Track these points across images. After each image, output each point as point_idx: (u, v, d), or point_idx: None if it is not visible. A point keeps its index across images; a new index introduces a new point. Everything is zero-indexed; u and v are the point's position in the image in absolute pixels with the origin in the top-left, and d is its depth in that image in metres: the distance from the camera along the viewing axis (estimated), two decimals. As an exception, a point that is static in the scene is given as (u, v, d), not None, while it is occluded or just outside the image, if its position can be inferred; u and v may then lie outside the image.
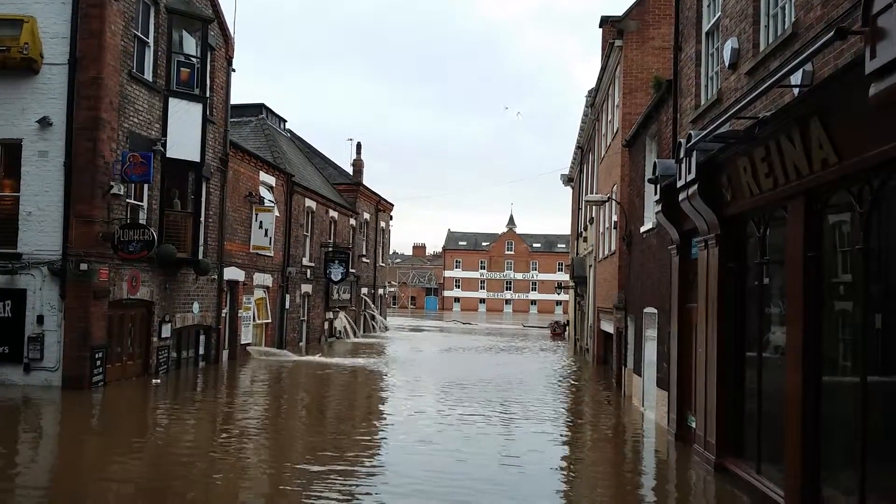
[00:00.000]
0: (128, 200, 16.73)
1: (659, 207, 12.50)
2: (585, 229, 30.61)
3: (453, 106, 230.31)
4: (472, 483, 9.29)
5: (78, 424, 12.92)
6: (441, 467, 10.08)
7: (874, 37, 5.41)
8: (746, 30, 9.49)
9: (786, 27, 8.34)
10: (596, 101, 26.56)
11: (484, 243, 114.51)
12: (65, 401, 14.23)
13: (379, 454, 11.10)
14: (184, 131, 18.28)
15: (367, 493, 8.73)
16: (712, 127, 9.20)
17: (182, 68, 18.44)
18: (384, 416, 15.03)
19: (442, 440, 12.00)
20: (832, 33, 6.02)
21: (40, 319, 15.25)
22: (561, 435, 13.57)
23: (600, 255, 24.53)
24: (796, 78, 7.41)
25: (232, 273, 22.53)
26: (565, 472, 10.77)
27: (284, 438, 12.22)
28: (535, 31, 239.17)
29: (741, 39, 9.66)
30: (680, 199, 10.85)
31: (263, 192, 25.26)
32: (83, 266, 15.16)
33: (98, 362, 15.41)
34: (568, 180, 41.83)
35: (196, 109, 18.75)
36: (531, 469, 10.45)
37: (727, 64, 9.93)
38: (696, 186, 10.13)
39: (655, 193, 12.70)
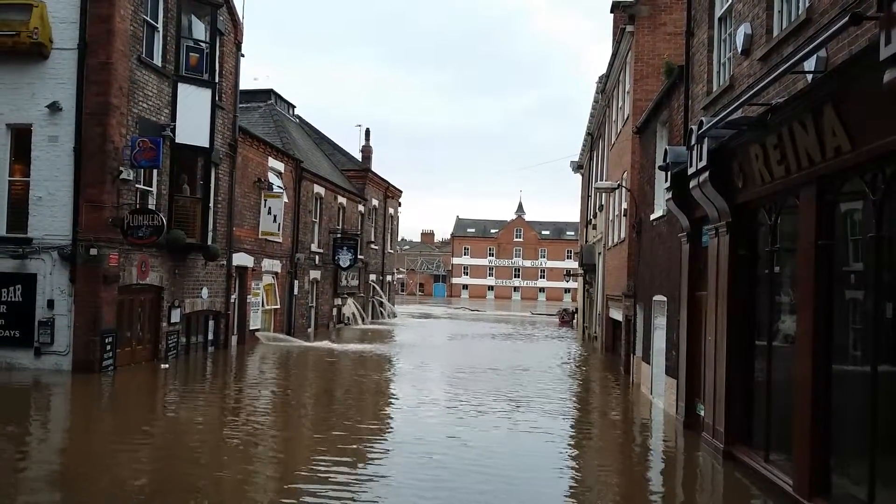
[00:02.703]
0: (137, 186, 16.75)
1: (669, 195, 12.42)
2: (595, 217, 30.50)
3: (464, 91, 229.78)
4: (480, 467, 9.32)
5: (88, 408, 13.02)
6: (447, 451, 10.11)
7: (889, 22, 5.34)
8: (760, 15, 9.39)
9: (800, 12, 8.25)
10: (607, 87, 26.38)
11: (493, 230, 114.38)
12: (75, 384, 14.32)
13: (384, 455, 11.13)
14: (193, 117, 18.27)
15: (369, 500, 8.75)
16: (724, 113, 9.11)
17: (191, 53, 18.40)
18: (391, 406, 15.07)
19: (448, 427, 12.03)
20: (847, 19, 5.94)
21: (50, 304, 15.33)
22: (569, 422, 13.57)
23: (610, 243, 24.46)
24: (810, 64, 7.32)
25: (241, 259, 22.58)
26: (573, 460, 10.77)
27: (290, 426, 12.29)
28: (548, 16, 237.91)
29: (754, 25, 9.55)
30: (691, 186, 10.78)
31: (272, 178, 25.26)
32: (93, 251, 15.22)
33: (108, 347, 15.50)
34: (577, 167, 41.64)
35: (205, 95, 18.72)
36: (538, 456, 10.47)
37: (740, 50, 9.83)
38: (707, 174, 10.06)
39: (666, 181, 12.62)
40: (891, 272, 6.50)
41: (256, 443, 10.56)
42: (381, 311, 42.20)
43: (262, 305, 25.08)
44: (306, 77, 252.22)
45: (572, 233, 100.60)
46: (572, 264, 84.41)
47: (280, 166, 26.10)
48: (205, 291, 20.19)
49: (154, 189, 17.54)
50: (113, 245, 15.64)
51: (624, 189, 20.02)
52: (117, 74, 15.56)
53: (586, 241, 34.70)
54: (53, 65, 15.52)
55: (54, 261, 15.37)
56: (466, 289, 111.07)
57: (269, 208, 24.31)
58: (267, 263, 25.12)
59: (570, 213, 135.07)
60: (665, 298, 14.63)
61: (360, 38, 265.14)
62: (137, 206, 16.53)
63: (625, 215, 20.19)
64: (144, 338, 17.50)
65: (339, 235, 33.25)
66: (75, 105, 15.41)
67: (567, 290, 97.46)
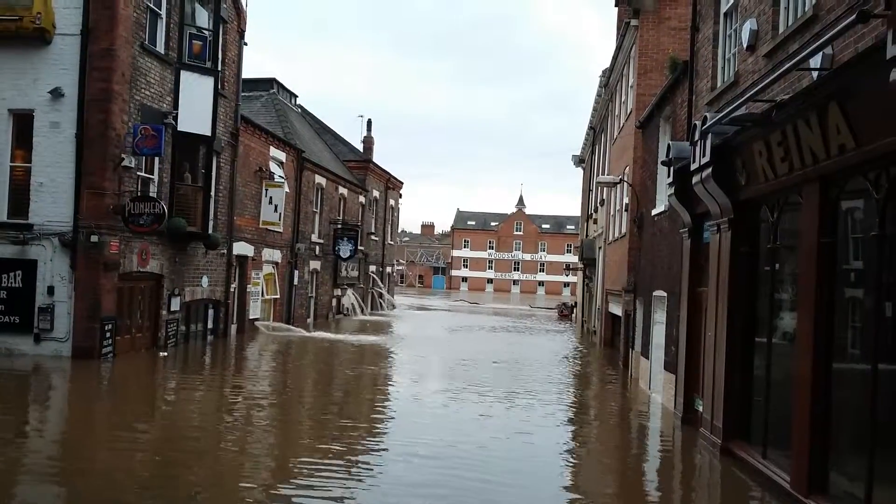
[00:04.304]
0: (139, 173, 16.72)
1: (671, 190, 12.42)
2: (596, 211, 30.48)
3: (467, 83, 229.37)
4: (478, 464, 9.33)
5: (87, 395, 13.02)
6: (446, 447, 10.13)
7: (897, 20, 5.32)
8: (766, 11, 9.36)
9: (806, 9, 8.22)
10: (610, 81, 26.33)
11: (493, 223, 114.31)
12: (74, 371, 14.32)
13: (378, 449, 11.13)
14: (195, 105, 18.21)
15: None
16: (728, 109, 9.10)
17: (194, 41, 18.32)
18: (387, 399, 15.08)
19: (445, 421, 12.06)
20: (854, 16, 5.93)
21: (51, 290, 15.32)
22: (566, 416, 13.59)
23: (610, 238, 24.45)
24: (816, 61, 7.30)
25: (241, 248, 22.57)
26: (571, 454, 10.79)
27: (287, 415, 12.31)
28: (554, 9, 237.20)
29: (760, 21, 9.53)
30: (693, 182, 10.77)
31: (273, 167, 25.23)
32: (94, 238, 15.20)
33: (108, 334, 15.50)
34: (579, 161, 41.60)
35: (207, 83, 18.67)
36: (535, 449, 10.49)
37: (745, 45, 9.81)
38: (710, 170, 10.04)
39: (668, 176, 12.61)
40: (892, 271, 6.50)
41: (253, 431, 10.58)
42: (381, 303, 42.23)
43: (262, 295, 25.09)
44: (308, 66, 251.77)
45: (573, 227, 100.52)
46: (572, 258, 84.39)
47: (282, 156, 26.07)
48: (205, 280, 20.19)
49: (155, 177, 17.50)
50: (114, 232, 15.63)
51: (626, 184, 20.00)
52: (120, 61, 15.51)
53: (587, 236, 34.69)
54: (56, 50, 15.46)
55: (55, 247, 15.35)
56: (466, 281, 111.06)
57: (271, 198, 24.30)
58: (267, 253, 25.12)
59: (570, 206, 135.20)
60: (665, 294, 14.64)
61: (363, 26, 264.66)
62: (139, 193, 16.51)
63: (626, 210, 20.18)
64: (144, 325, 17.50)
65: (339, 226, 33.24)
66: (77, 91, 15.35)
67: (566, 284, 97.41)
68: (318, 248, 30.87)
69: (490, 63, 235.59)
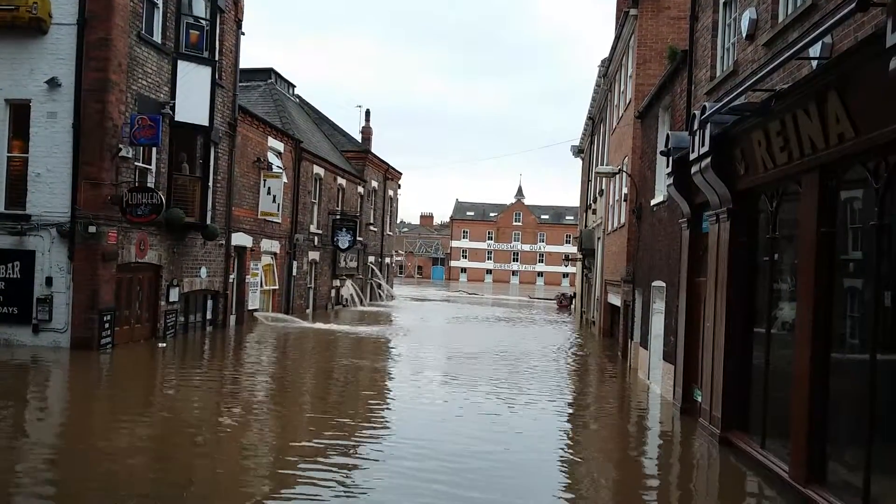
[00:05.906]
0: (136, 163, 16.68)
1: (670, 180, 12.39)
2: (595, 201, 30.45)
3: (466, 75, 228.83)
4: (476, 455, 9.34)
5: (86, 385, 13.03)
6: (445, 433, 10.14)
7: (897, 9, 5.28)
8: (765, 0, 9.31)
9: (806, -2, 8.17)
10: (609, 71, 26.24)
11: (492, 214, 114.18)
12: (73, 362, 14.33)
13: (377, 441, 11.13)
14: (192, 95, 18.15)
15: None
16: (727, 99, 9.05)
17: (191, 30, 18.26)
18: (386, 390, 15.09)
19: (446, 410, 12.08)
20: (853, 5, 5.88)
21: (49, 281, 15.31)
22: (565, 406, 13.61)
23: (609, 228, 24.42)
24: (815, 50, 7.27)
25: (239, 239, 22.55)
26: (569, 444, 10.80)
27: (286, 406, 12.31)
28: (553, 2, 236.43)
29: (759, 10, 9.48)
30: (692, 172, 10.75)
31: (272, 157, 25.17)
32: (92, 228, 15.18)
33: (106, 325, 15.50)
34: (578, 151, 41.49)
35: (205, 73, 18.60)
36: (533, 440, 10.50)
37: (744, 35, 9.77)
38: (709, 159, 10.02)
39: (667, 166, 12.58)
40: (891, 261, 6.49)
41: (252, 422, 10.59)
42: (380, 293, 42.24)
43: (261, 286, 25.08)
44: (307, 57, 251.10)
45: (571, 217, 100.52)
46: (571, 249, 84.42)
47: (280, 146, 26.01)
48: (203, 271, 20.17)
49: (153, 167, 17.46)
50: (112, 223, 15.60)
51: (625, 174, 19.96)
52: (116, 51, 15.44)
53: (585, 226, 34.66)
54: (52, 40, 15.39)
55: (53, 238, 15.33)
56: (465, 272, 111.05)
57: (269, 188, 24.26)
58: (266, 244, 25.10)
59: (569, 197, 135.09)
60: (664, 284, 14.63)
61: (362, 17, 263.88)
62: (136, 184, 16.48)
63: (625, 200, 20.14)
64: (143, 316, 17.50)
65: (338, 217, 33.21)
66: (74, 81, 15.30)
67: (565, 275, 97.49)
68: (316, 238, 30.85)
69: (489, 55, 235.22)
